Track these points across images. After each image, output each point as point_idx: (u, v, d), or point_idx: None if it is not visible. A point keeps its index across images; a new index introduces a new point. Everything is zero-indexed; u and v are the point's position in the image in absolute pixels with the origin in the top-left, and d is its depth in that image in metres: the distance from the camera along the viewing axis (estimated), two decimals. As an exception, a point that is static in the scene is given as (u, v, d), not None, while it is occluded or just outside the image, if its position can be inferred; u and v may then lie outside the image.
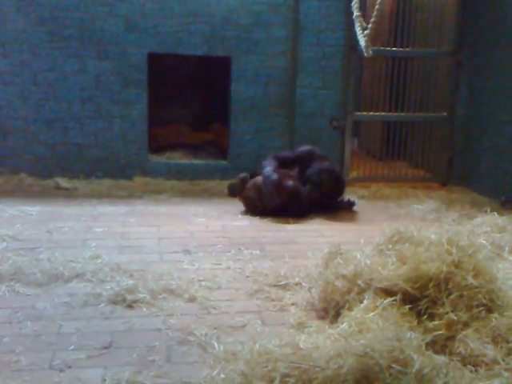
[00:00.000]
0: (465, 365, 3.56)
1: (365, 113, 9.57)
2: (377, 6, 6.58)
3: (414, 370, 3.22)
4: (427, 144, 9.50)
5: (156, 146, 9.32)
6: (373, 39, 7.14)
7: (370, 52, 6.97)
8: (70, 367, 3.69)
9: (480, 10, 8.77)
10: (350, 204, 7.77)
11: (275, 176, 7.25)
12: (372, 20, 6.62)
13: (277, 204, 7.23)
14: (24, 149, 8.43)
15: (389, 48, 9.25)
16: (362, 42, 6.87)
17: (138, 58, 8.50)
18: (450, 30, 9.12)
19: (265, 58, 8.75)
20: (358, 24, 6.92)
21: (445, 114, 9.28)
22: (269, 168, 7.39)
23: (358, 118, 9.48)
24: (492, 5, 8.48)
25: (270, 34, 8.70)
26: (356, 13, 6.94)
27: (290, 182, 7.30)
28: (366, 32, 6.76)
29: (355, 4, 6.97)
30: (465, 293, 3.91)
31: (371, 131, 10.74)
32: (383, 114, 9.45)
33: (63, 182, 8.30)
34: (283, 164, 7.62)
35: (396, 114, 9.36)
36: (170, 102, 10.48)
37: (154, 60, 8.71)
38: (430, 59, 9.39)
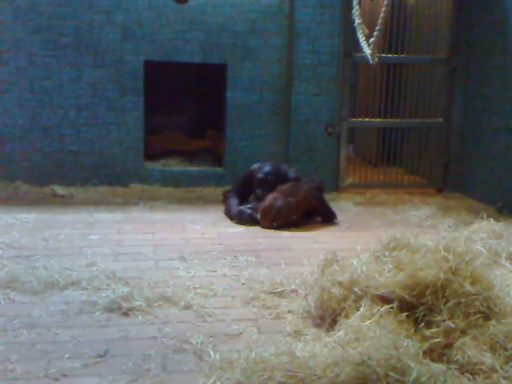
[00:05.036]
0: (463, 373, 3.55)
1: (360, 119, 9.58)
2: (381, 14, 6.56)
3: (411, 378, 3.22)
4: (423, 150, 9.50)
5: (152, 153, 9.30)
6: (377, 47, 7.13)
7: (376, 60, 6.96)
8: (65, 376, 3.68)
9: (475, 17, 8.79)
10: None
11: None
12: (377, 28, 6.59)
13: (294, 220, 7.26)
14: (20, 156, 8.40)
15: (384, 54, 9.24)
16: (367, 49, 6.83)
17: (135, 65, 8.49)
18: (445, 36, 9.12)
19: (260, 65, 8.75)
20: (361, 31, 6.90)
21: (440, 120, 9.28)
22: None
23: (354, 124, 9.49)
24: (487, 11, 8.51)
25: (265, 42, 8.70)
26: (357, 20, 6.92)
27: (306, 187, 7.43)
28: (371, 40, 6.74)
29: (356, 11, 6.94)
30: (462, 300, 3.90)
31: (367, 137, 10.75)
32: (379, 120, 9.45)
33: (59, 190, 8.27)
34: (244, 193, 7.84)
35: (391, 120, 9.38)
36: (166, 109, 10.48)
37: (151, 67, 8.71)
38: (425, 65, 9.40)
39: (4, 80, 8.24)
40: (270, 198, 7.18)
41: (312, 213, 7.44)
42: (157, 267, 5.64)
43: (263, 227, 7.12)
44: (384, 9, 6.59)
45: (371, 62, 7.00)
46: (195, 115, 10.97)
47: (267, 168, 7.73)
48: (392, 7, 9.11)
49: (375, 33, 6.69)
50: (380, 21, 6.60)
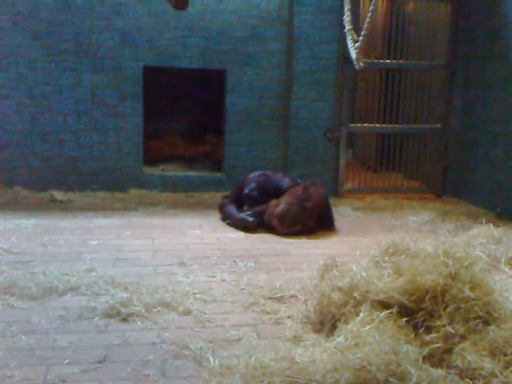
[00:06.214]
0: (462, 378, 3.54)
1: (359, 124, 9.58)
2: (367, 19, 6.57)
3: (411, 383, 3.21)
4: (422, 155, 9.50)
5: (151, 159, 9.29)
6: (364, 52, 7.12)
7: (361, 64, 6.96)
8: (64, 382, 3.68)
9: (473, 23, 8.79)
10: None
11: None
12: (363, 33, 6.61)
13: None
14: (19, 162, 8.40)
15: (383, 60, 9.25)
16: (353, 54, 6.87)
17: (134, 71, 8.50)
18: (444, 42, 9.14)
19: (259, 71, 8.76)
20: (350, 37, 6.91)
21: (439, 125, 9.28)
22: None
23: (353, 129, 9.49)
24: (485, 17, 8.51)
25: (264, 47, 8.72)
26: (348, 26, 6.93)
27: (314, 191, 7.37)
28: (356, 45, 6.76)
29: (347, 18, 6.96)
30: (461, 305, 3.89)
31: (366, 143, 10.74)
32: (378, 125, 9.45)
33: (58, 195, 8.27)
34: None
35: (390, 125, 9.37)
36: (165, 114, 10.48)
37: (150, 73, 8.71)
38: (423, 71, 9.40)
39: (3, 85, 8.25)
40: (285, 203, 7.15)
41: (319, 218, 7.41)
42: (156, 273, 5.63)
43: (278, 234, 7.10)
44: (369, 14, 6.60)
45: (356, 66, 7.01)
46: (194, 120, 10.97)
47: (253, 185, 7.70)
48: (390, 13, 9.17)
49: (360, 38, 6.70)
50: (366, 25, 6.60)
